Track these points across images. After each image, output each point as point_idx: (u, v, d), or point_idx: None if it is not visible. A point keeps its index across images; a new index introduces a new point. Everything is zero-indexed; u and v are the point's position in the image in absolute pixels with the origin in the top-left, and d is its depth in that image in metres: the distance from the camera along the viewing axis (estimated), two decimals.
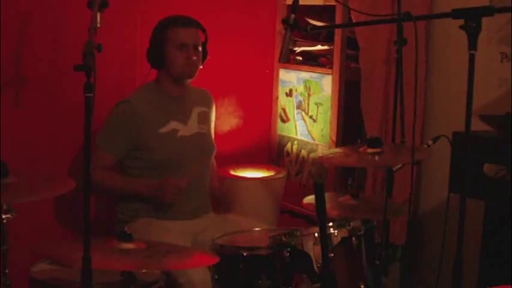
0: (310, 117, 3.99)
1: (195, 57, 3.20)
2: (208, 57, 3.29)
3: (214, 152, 3.43)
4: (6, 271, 2.50)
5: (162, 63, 3.22)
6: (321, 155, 3.76)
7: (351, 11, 3.60)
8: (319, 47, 3.95)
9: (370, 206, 3.09)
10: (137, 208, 3.21)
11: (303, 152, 4.07)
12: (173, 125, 3.24)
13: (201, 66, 3.27)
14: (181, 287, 2.86)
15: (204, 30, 3.27)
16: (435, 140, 3.01)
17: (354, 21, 3.66)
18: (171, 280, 2.83)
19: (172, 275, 2.83)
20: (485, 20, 2.07)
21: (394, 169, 3.09)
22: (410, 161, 2.70)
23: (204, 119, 3.38)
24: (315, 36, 3.99)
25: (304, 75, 4.02)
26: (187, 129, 3.28)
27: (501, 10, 2.54)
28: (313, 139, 3.99)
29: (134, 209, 3.22)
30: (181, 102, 3.29)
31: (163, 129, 3.21)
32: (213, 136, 3.47)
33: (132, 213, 3.21)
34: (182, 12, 3.33)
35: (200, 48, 3.23)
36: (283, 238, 2.59)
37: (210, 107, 3.45)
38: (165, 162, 3.19)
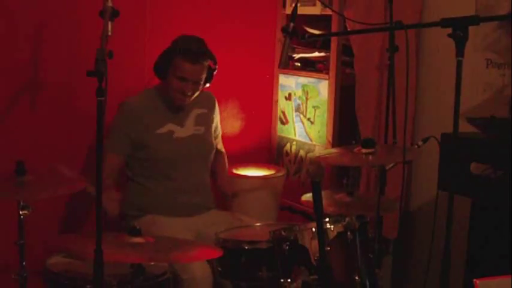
0: (308, 119, 3.99)
1: (190, 92, 3.17)
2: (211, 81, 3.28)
3: (213, 152, 3.43)
4: (24, 263, 2.51)
5: (163, 79, 3.21)
6: (318, 154, 3.75)
7: (346, 20, 3.60)
8: (316, 54, 3.94)
9: (364, 203, 3.09)
10: (143, 205, 3.21)
11: (301, 152, 4.06)
12: (169, 127, 3.24)
13: (206, 86, 3.26)
14: (184, 282, 2.85)
15: (215, 62, 3.21)
16: (425, 140, 3.00)
17: (349, 29, 3.65)
18: (175, 275, 2.83)
19: (175, 271, 2.82)
20: (471, 29, 2.07)
21: (387, 168, 3.09)
22: (401, 160, 2.70)
23: (202, 120, 3.37)
24: (312, 43, 3.99)
25: (303, 80, 4.01)
26: (183, 130, 3.28)
27: (487, 19, 2.55)
28: (311, 140, 3.99)
29: (140, 206, 3.22)
30: (179, 106, 3.28)
31: (160, 131, 3.22)
32: (219, 135, 3.46)
33: (138, 210, 3.21)
34: (188, 21, 3.33)
35: (202, 82, 3.19)
36: (283, 233, 2.59)
37: (211, 108, 3.43)
38: (161, 161, 3.20)
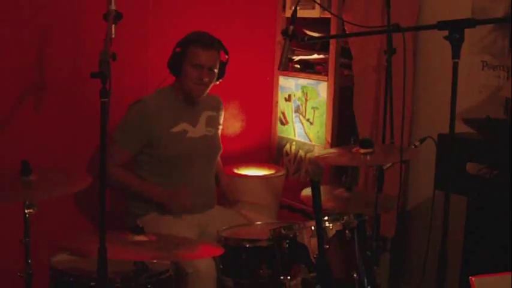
0: (307, 120, 3.99)
1: (206, 79, 3.17)
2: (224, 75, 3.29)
3: (220, 153, 3.44)
4: (29, 261, 2.51)
5: (178, 74, 3.22)
6: (317, 154, 3.75)
7: (345, 23, 3.59)
8: (315, 56, 3.95)
9: (363, 201, 3.09)
10: (148, 203, 3.21)
11: (301, 152, 4.06)
12: (183, 126, 3.25)
13: (217, 82, 3.27)
14: (189, 276, 2.86)
15: (226, 51, 3.25)
16: (422, 141, 3.00)
17: (347, 32, 3.65)
18: (179, 269, 2.83)
19: (180, 265, 2.83)
20: (467, 31, 2.07)
21: (384, 168, 3.09)
22: (399, 160, 2.70)
23: (212, 122, 3.38)
24: (311, 46, 3.99)
25: (302, 81, 4.01)
26: (195, 131, 3.29)
27: (482, 22, 2.55)
28: (310, 140, 3.99)
29: (145, 204, 3.21)
30: (192, 107, 3.29)
31: (174, 129, 3.22)
32: (219, 137, 3.47)
33: (142, 208, 3.21)
34: (190, 25, 3.33)
35: (216, 70, 3.21)
36: (283, 231, 2.59)
37: (218, 112, 3.46)
38: (174, 159, 3.20)
